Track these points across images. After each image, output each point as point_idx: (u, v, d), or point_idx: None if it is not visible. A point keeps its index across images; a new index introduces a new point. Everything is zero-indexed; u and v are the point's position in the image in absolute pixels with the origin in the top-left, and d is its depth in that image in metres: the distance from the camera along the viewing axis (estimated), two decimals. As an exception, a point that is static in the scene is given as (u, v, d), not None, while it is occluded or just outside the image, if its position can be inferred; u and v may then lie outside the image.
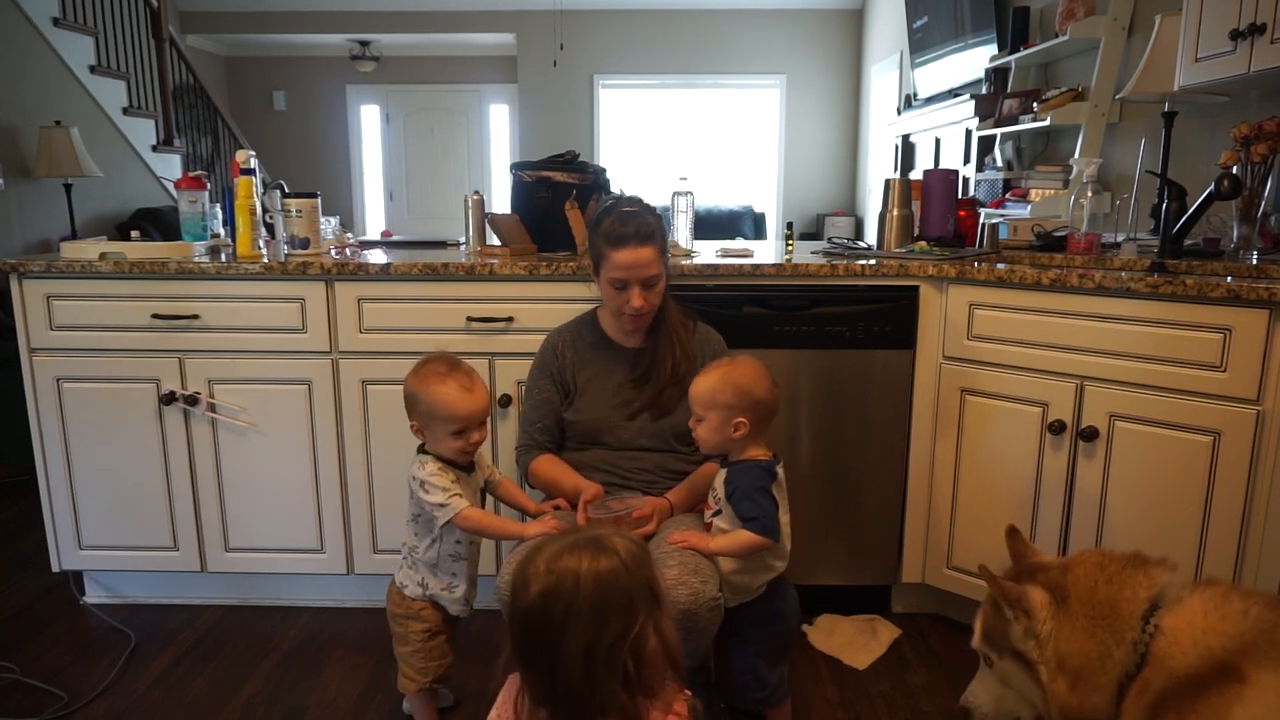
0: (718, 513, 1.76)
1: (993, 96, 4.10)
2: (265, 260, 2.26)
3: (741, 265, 2.24)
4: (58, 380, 2.31)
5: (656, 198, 2.15)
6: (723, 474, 1.76)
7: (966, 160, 4.46)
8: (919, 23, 5.29)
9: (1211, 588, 1.26)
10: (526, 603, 1.10)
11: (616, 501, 1.78)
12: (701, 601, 1.62)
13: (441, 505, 1.71)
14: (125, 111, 5.48)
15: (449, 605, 1.82)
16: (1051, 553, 2.08)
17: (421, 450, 1.79)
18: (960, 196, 2.73)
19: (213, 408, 2.31)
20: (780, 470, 1.76)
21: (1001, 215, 3.41)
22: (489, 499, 1.93)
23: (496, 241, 2.50)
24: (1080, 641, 1.27)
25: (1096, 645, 1.26)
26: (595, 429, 1.93)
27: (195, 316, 2.26)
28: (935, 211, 2.58)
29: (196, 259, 2.29)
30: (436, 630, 1.81)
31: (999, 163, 4.06)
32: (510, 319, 2.25)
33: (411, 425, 1.76)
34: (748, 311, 2.24)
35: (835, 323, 2.23)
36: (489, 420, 2.18)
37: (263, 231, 2.41)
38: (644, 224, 1.84)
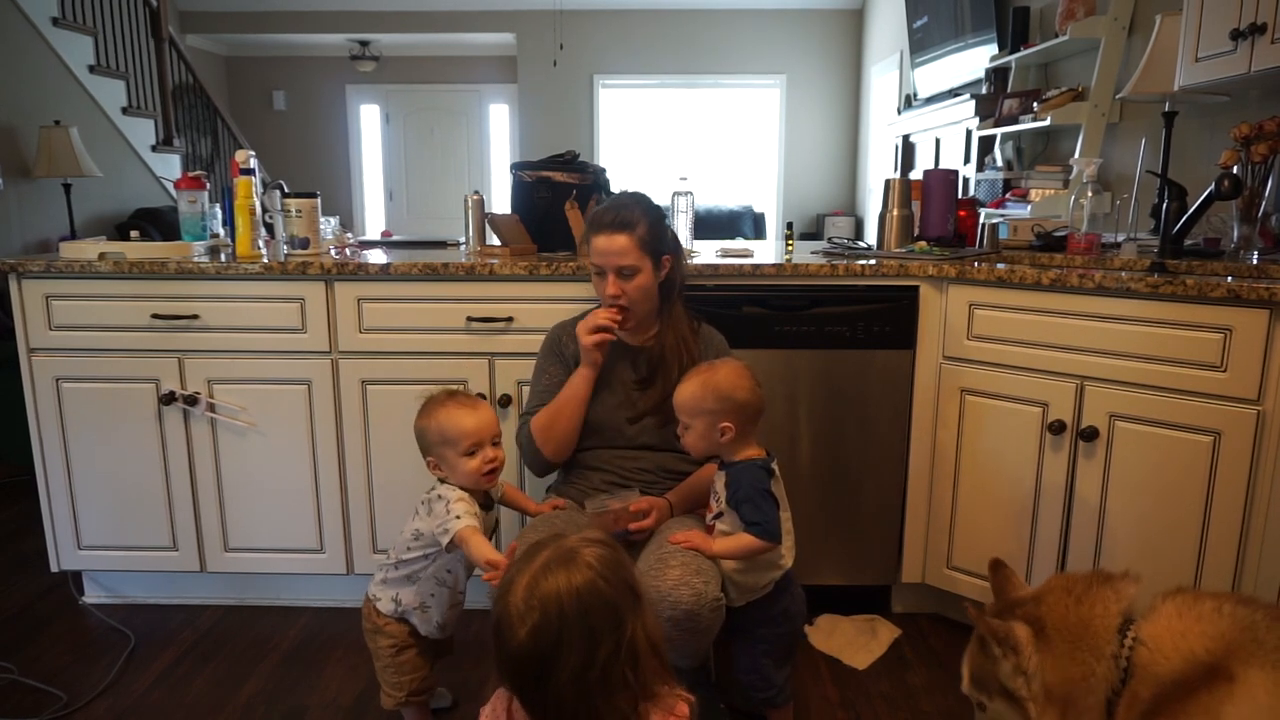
0: (719, 515, 1.75)
1: (993, 96, 4.10)
2: (265, 260, 2.26)
3: (741, 265, 2.24)
4: (57, 380, 2.30)
5: (656, 198, 2.14)
6: (722, 476, 1.76)
7: (966, 160, 4.46)
8: (919, 23, 5.29)
9: (1181, 593, 1.26)
10: (517, 643, 1.08)
11: (616, 500, 1.78)
12: (704, 602, 1.62)
13: (458, 517, 1.65)
14: (125, 111, 5.47)
15: (419, 625, 1.79)
16: (1052, 555, 2.09)
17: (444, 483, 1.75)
18: (960, 196, 2.73)
19: (212, 408, 2.31)
20: (776, 466, 1.76)
21: (1001, 215, 3.41)
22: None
23: (496, 241, 2.50)
24: (1063, 668, 1.26)
25: (1079, 668, 1.25)
26: (596, 426, 1.93)
27: (195, 316, 2.26)
28: (935, 211, 2.58)
29: (196, 259, 2.29)
30: (404, 645, 1.78)
31: (999, 163, 4.06)
32: (510, 319, 2.25)
33: (428, 463, 1.74)
34: (748, 311, 2.24)
35: (835, 323, 2.23)
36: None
37: (262, 231, 2.41)
38: (625, 214, 1.85)
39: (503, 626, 1.10)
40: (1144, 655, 1.22)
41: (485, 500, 1.78)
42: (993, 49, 4.26)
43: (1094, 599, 1.28)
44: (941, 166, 4.66)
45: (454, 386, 1.79)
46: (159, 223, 5.10)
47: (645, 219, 1.87)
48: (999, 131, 3.94)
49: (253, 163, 2.40)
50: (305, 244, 2.36)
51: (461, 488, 1.72)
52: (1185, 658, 1.18)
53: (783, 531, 1.74)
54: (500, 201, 4.04)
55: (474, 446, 1.69)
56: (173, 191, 4.80)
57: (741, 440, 1.73)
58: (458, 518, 1.65)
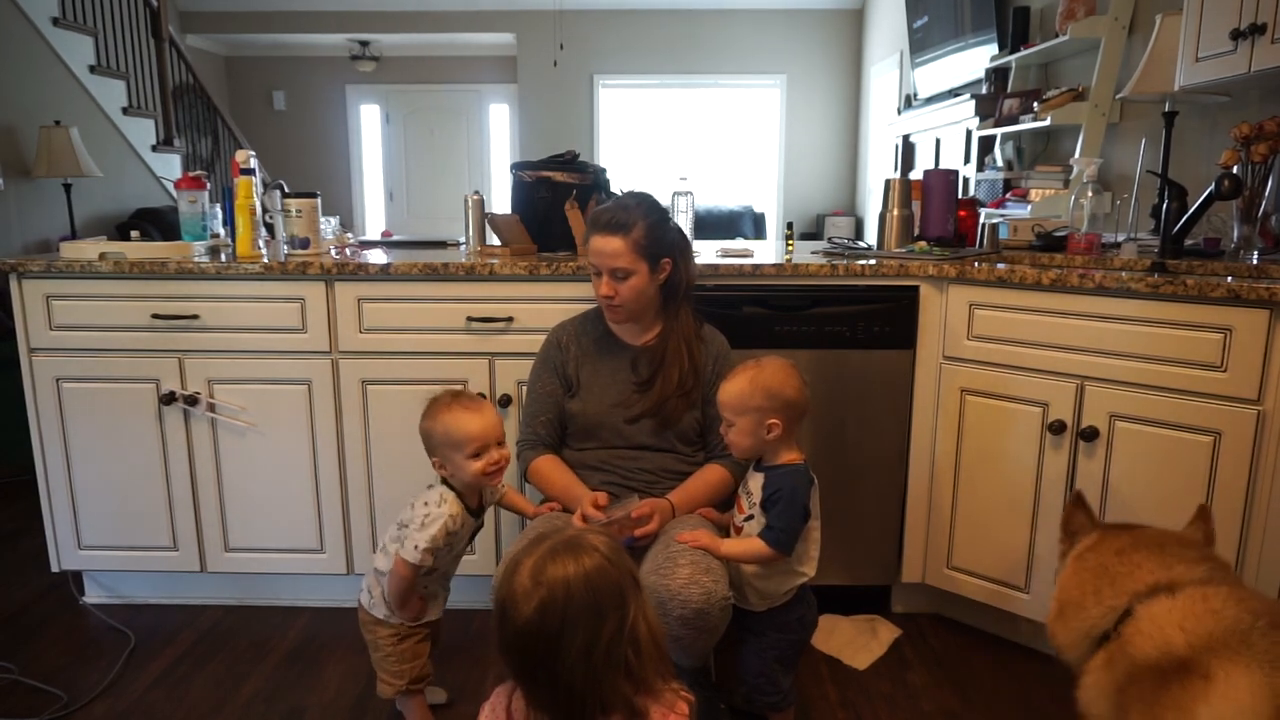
0: (750, 518, 1.75)
1: (993, 96, 4.10)
2: (265, 260, 2.25)
3: (741, 265, 2.24)
4: (57, 380, 2.30)
5: (656, 198, 2.14)
6: (759, 478, 1.75)
7: (966, 160, 4.45)
8: (919, 22, 5.29)
9: (1209, 586, 1.27)
10: (523, 620, 1.09)
11: (618, 508, 1.78)
12: (714, 601, 1.63)
13: (424, 550, 1.70)
14: (125, 111, 5.47)
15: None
16: (1051, 549, 2.08)
17: (446, 484, 1.78)
18: (960, 196, 2.73)
19: (212, 408, 2.31)
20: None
21: (1002, 215, 3.41)
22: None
23: (496, 241, 2.50)
24: (1072, 582, 1.44)
25: (1079, 592, 1.41)
26: (595, 425, 1.93)
27: (195, 316, 2.26)
28: (935, 211, 2.58)
29: (196, 259, 2.29)
30: (404, 634, 1.80)
31: (999, 163, 4.06)
32: (510, 319, 2.25)
33: (434, 463, 1.76)
34: (748, 311, 2.24)
35: (835, 323, 2.23)
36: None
37: (263, 231, 2.41)
38: (622, 216, 1.85)
39: (508, 606, 1.11)
40: (1130, 629, 1.27)
41: (478, 506, 1.81)
42: (993, 49, 4.26)
43: (1134, 553, 1.38)
44: (941, 166, 4.66)
45: (456, 387, 1.82)
46: (159, 223, 5.10)
47: (643, 221, 1.86)
48: (999, 131, 3.93)
49: (253, 163, 2.40)
50: (305, 244, 2.36)
51: (464, 486, 1.76)
52: (1159, 648, 1.22)
53: (810, 541, 1.76)
54: (500, 201, 4.05)
55: (479, 449, 1.71)
56: (173, 191, 4.80)
57: (786, 439, 1.74)
58: (417, 548, 1.70)
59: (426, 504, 1.73)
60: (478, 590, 1.94)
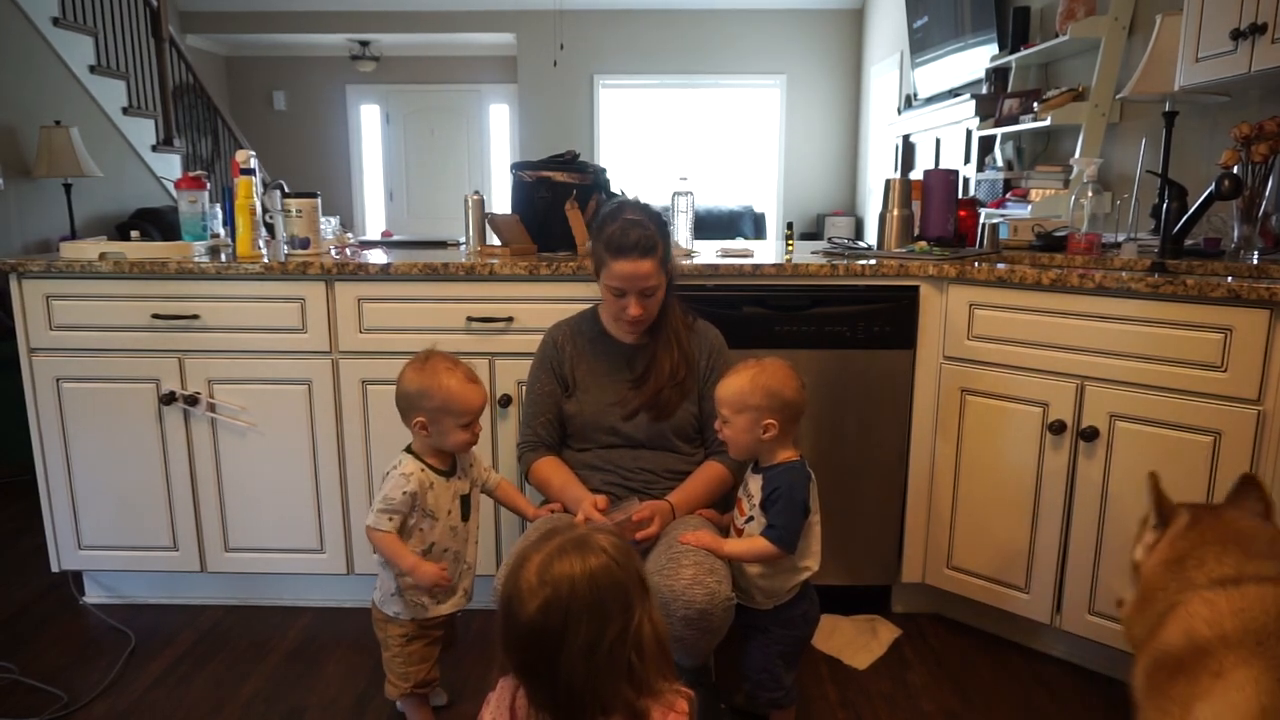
0: (751, 519, 1.75)
1: (993, 96, 4.10)
2: (265, 260, 2.26)
3: (741, 265, 2.24)
4: (57, 380, 2.30)
5: (656, 198, 2.14)
6: (758, 479, 1.75)
7: (967, 160, 4.46)
8: (919, 23, 5.29)
9: (1238, 583, 1.23)
10: (526, 617, 1.09)
11: (619, 511, 1.78)
12: (718, 601, 1.63)
13: (378, 511, 1.73)
14: (125, 111, 5.47)
15: (426, 604, 1.81)
16: (1051, 549, 2.09)
17: (408, 450, 1.80)
18: (960, 196, 2.73)
19: (213, 408, 2.31)
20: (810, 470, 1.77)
21: (1002, 215, 3.41)
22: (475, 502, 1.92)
23: (496, 241, 2.50)
24: (1155, 572, 1.33)
25: (1160, 579, 1.31)
26: (593, 425, 1.93)
27: (195, 316, 2.26)
28: (935, 211, 2.58)
29: (196, 259, 2.29)
30: (414, 635, 1.81)
31: (999, 163, 4.06)
32: (510, 319, 2.25)
33: (416, 421, 1.75)
34: (748, 311, 2.24)
35: (835, 323, 2.23)
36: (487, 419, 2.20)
37: (263, 231, 2.41)
38: (646, 236, 1.81)
39: (513, 602, 1.11)
40: (1172, 614, 1.24)
41: (450, 466, 1.82)
42: (993, 49, 4.26)
43: (1208, 547, 1.30)
44: (941, 166, 4.66)
45: (446, 352, 1.80)
46: (159, 223, 5.10)
47: (660, 234, 1.85)
48: (999, 131, 3.94)
49: (253, 163, 2.40)
50: (305, 244, 2.36)
51: (437, 451, 1.78)
52: (1185, 635, 1.20)
53: (811, 536, 1.76)
54: (500, 201, 4.05)
55: (471, 422, 1.76)
56: (173, 191, 4.80)
57: (783, 439, 1.74)
58: (379, 512, 1.73)
59: (388, 473, 1.78)
60: (478, 590, 1.94)
